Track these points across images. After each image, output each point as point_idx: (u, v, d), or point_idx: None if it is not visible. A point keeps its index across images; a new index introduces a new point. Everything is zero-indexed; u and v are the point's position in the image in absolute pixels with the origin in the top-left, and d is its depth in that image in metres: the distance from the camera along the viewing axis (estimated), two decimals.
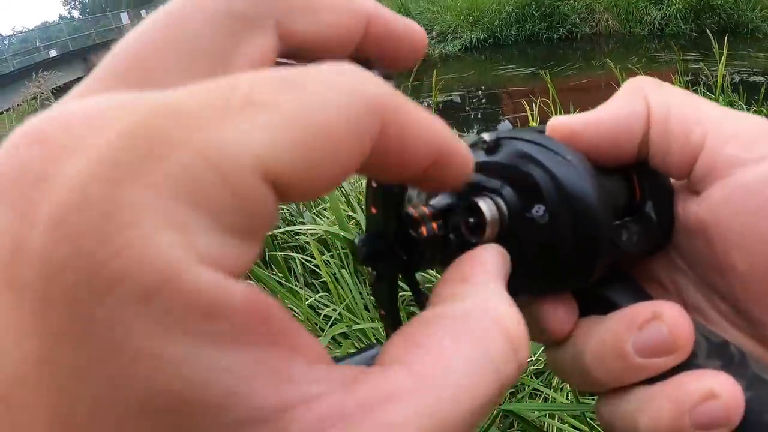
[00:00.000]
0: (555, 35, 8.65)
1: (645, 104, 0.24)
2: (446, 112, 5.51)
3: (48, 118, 0.12)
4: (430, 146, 0.16)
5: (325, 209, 1.77)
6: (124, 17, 23.10)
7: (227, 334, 0.11)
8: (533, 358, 1.20)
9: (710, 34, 2.77)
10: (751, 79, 5.08)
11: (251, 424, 0.11)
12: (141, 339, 0.10)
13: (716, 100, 2.07)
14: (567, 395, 1.05)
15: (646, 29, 8.33)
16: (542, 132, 0.23)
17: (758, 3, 7.39)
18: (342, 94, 0.13)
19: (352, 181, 1.81)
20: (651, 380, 0.22)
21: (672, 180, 0.25)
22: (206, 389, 0.10)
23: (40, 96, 8.14)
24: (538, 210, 0.21)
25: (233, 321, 0.11)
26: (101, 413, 0.10)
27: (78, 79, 0.17)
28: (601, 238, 0.21)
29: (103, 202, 0.10)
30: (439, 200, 0.22)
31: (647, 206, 0.24)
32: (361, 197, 1.73)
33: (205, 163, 0.10)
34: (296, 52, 0.18)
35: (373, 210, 0.21)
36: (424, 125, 0.15)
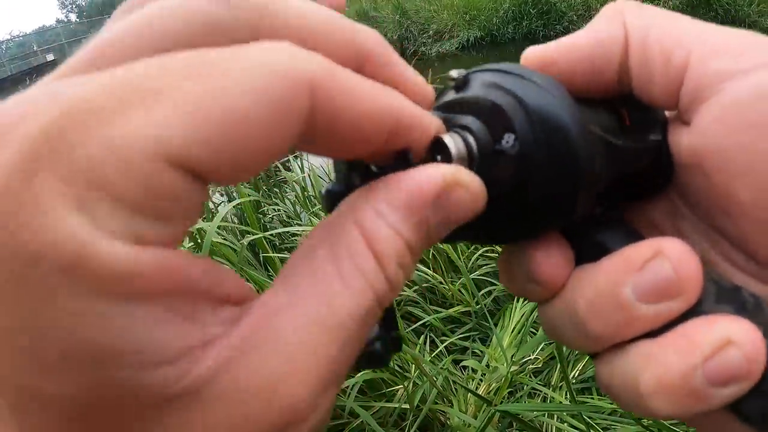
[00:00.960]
0: (552, 33, 8.65)
1: (622, 28, 0.22)
2: None
3: None
4: (382, 118, 0.16)
5: (321, 210, 1.77)
6: None
7: (139, 292, 0.12)
8: (531, 357, 1.19)
9: None
10: None
11: (159, 365, 0.13)
12: (64, 300, 0.12)
13: None
14: (565, 394, 1.05)
15: None
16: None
17: None
18: (260, 75, 0.13)
19: None
20: (654, 333, 0.19)
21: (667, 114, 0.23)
22: (121, 336, 0.12)
23: None
24: (508, 140, 0.19)
25: (144, 280, 0.12)
26: (27, 363, 0.12)
27: None
28: (581, 164, 0.19)
29: (22, 191, 0.11)
30: None
31: None
32: None
33: (108, 153, 0.12)
34: None
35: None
36: (373, 97, 0.15)
